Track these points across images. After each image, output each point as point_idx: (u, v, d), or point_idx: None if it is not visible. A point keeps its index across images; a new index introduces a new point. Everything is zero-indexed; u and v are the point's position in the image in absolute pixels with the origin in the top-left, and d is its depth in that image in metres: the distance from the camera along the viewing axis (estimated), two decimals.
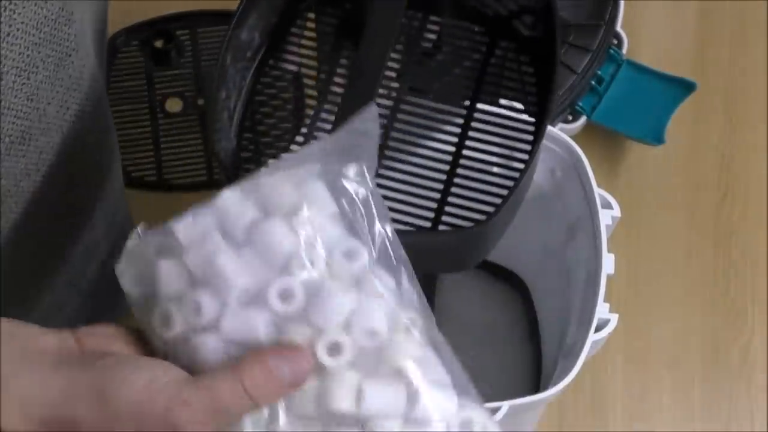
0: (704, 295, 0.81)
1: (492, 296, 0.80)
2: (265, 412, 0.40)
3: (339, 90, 0.56)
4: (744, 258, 0.82)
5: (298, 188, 0.42)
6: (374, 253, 0.42)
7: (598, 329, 0.60)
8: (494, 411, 0.56)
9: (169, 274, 0.42)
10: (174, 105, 0.88)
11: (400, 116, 0.56)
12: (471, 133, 0.56)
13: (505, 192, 0.52)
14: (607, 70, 0.83)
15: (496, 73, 0.58)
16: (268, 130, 0.58)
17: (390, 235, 0.43)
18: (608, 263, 0.61)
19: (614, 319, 0.60)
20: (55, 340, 0.41)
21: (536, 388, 0.74)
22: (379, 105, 0.55)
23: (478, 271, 0.80)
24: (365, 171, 0.43)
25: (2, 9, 0.42)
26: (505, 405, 0.56)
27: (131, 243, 0.43)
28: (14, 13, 0.43)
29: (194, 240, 0.42)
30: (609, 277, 0.61)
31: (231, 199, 0.42)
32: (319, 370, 0.40)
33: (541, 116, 0.55)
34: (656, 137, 0.81)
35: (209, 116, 0.52)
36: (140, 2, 0.90)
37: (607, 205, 0.63)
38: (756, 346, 0.79)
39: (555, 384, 0.57)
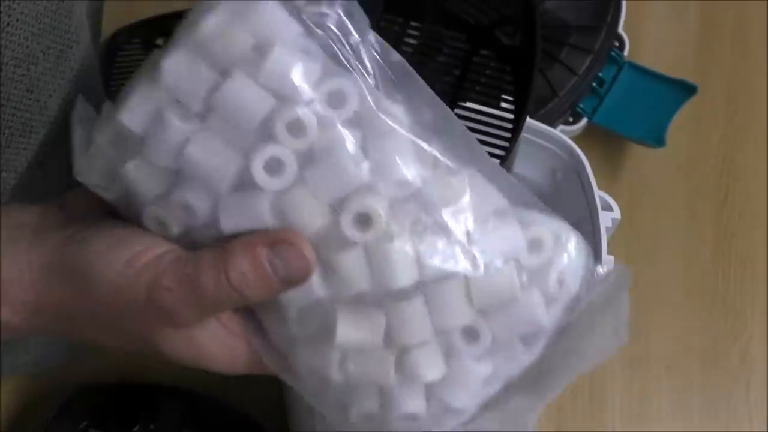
0: (704, 298, 0.81)
1: None
2: (314, 291, 0.35)
3: None
4: (744, 261, 0.82)
5: (251, 24, 0.33)
6: (370, 78, 0.35)
7: None
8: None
9: (141, 178, 0.35)
10: None
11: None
12: None
13: None
14: (609, 72, 0.83)
15: (476, 78, 0.58)
16: None
17: (377, 45, 0.35)
18: (608, 265, 0.61)
19: None
20: (36, 213, 0.38)
21: None
22: None
23: None
24: None
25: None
26: None
27: (77, 141, 0.37)
28: (14, 2, 0.43)
29: (151, 129, 0.34)
30: None
31: (175, 66, 0.34)
32: (359, 247, 0.34)
33: (517, 121, 0.55)
34: (657, 139, 0.81)
35: None
36: (142, 1, 0.90)
37: (608, 207, 0.63)
38: (755, 349, 0.79)
39: None
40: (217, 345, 0.38)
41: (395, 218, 0.34)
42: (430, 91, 0.36)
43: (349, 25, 0.35)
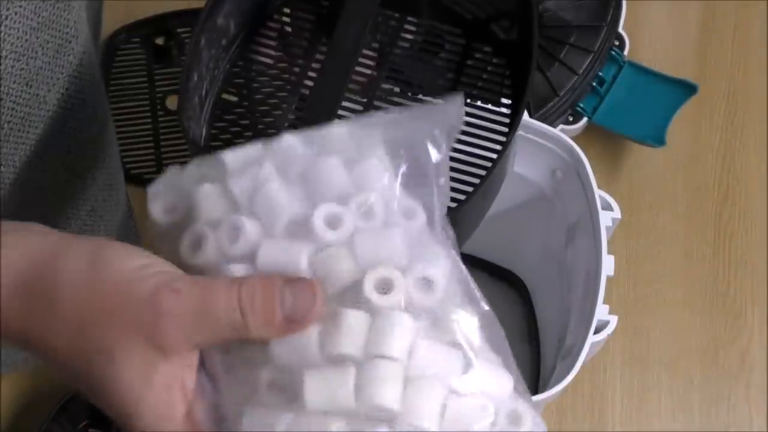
0: (704, 297, 0.81)
1: (492, 297, 0.79)
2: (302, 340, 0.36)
3: (312, 84, 0.55)
4: (744, 260, 0.82)
5: (361, 145, 0.39)
6: (437, 218, 0.39)
7: (597, 331, 0.60)
8: None
9: (210, 197, 0.38)
10: (174, 102, 0.88)
11: (376, 104, 0.56)
12: None
13: (477, 181, 0.52)
14: (609, 71, 0.83)
15: (472, 73, 0.58)
16: (236, 119, 0.56)
17: (445, 210, 0.40)
18: (608, 265, 0.61)
19: (614, 320, 0.60)
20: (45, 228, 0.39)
21: (535, 390, 0.74)
22: (354, 96, 0.55)
23: (479, 272, 0.80)
24: (446, 136, 0.39)
25: None
26: None
27: (172, 173, 0.40)
28: None
29: (243, 167, 0.38)
30: (609, 279, 0.61)
31: (291, 142, 0.39)
32: (370, 308, 0.36)
33: (514, 116, 0.55)
34: (657, 139, 0.81)
35: (180, 97, 0.51)
36: (141, 1, 0.90)
37: (608, 207, 0.63)
38: (755, 348, 0.79)
39: (554, 385, 0.57)
40: (165, 392, 0.36)
41: (412, 307, 0.36)
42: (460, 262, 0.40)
43: (441, 181, 0.39)
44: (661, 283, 0.82)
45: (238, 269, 0.37)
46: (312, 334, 0.36)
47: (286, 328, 0.36)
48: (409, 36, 0.59)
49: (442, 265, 0.38)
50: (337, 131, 0.39)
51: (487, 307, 0.39)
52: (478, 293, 0.39)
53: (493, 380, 0.37)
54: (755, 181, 0.85)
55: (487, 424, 0.37)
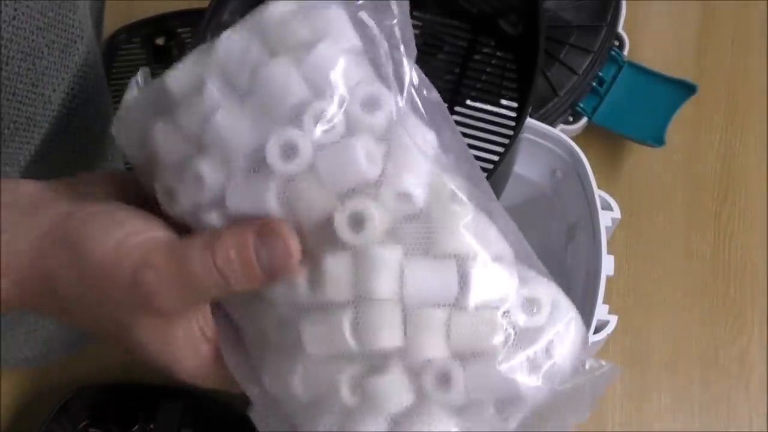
0: (704, 297, 0.81)
1: None
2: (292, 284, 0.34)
3: None
4: (743, 260, 0.82)
5: (312, 20, 0.35)
6: (401, 101, 0.36)
7: (597, 330, 0.60)
8: None
9: (165, 140, 0.36)
10: None
11: None
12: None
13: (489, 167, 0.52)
14: (609, 71, 0.83)
15: (478, 67, 0.58)
16: None
17: (417, 78, 0.36)
18: (608, 265, 0.61)
19: (613, 320, 0.60)
20: (35, 187, 0.39)
21: None
22: None
23: None
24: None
25: None
26: None
27: (128, 99, 0.37)
28: None
29: (188, 94, 0.35)
30: (609, 279, 0.61)
31: (232, 40, 0.35)
32: (348, 247, 0.34)
33: (520, 111, 0.55)
34: (657, 139, 0.81)
35: None
36: (142, 1, 0.90)
37: (607, 207, 0.63)
38: (755, 348, 0.79)
39: None
40: (189, 346, 0.37)
41: (393, 234, 0.34)
42: (458, 130, 0.37)
43: (401, 48, 0.36)
44: (660, 282, 0.82)
45: (213, 217, 0.36)
46: (299, 279, 0.35)
47: (270, 280, 0.35)
48: (414, 30, 0.59)
49: (417, 169, 0.35)
50: (280, 10, 0.35)
51: (471, 202, 0.35)
52: (461, 193, 0.35)
53: (497, 282, 0.35)
54: (755, 181, 0.85)
55: (499, 335, 0.35)
